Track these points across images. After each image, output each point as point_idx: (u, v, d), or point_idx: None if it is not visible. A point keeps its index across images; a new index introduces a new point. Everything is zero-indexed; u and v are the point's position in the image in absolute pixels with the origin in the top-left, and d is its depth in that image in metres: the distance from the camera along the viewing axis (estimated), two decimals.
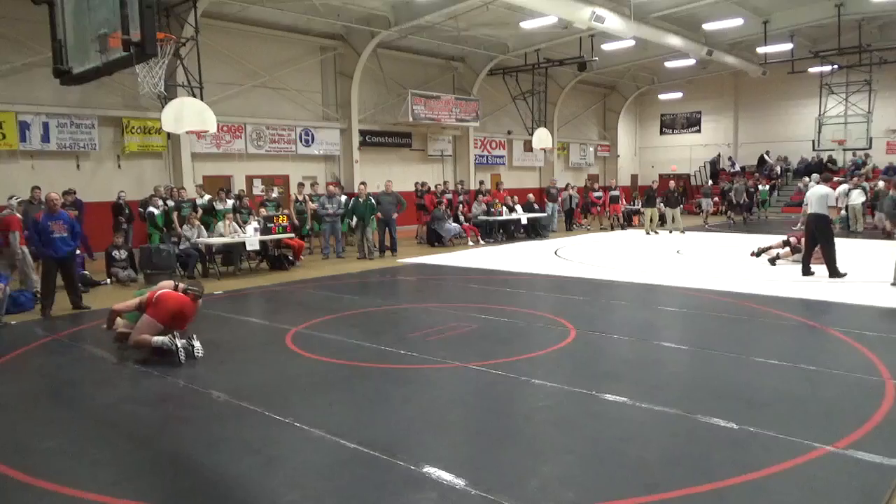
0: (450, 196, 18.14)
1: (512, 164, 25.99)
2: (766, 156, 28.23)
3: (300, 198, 14.63)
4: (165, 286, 6.41)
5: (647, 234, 18.46)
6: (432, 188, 18.07)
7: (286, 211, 14.02)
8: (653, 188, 18.72)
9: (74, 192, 12.19)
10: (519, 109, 22.51)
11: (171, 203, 12.93)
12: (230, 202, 13.36)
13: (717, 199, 24.19)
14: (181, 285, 6.46)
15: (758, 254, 12.21)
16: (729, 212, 22.02)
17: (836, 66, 21.53)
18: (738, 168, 27.72)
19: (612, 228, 20.88)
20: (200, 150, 16.25)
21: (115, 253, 11.46)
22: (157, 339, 6.03)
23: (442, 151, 23.03)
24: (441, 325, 7.33)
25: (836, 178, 22.20)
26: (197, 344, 6.27)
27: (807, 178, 20.07)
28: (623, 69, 26.84)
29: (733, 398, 4.74)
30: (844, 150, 23.43)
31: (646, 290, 9.74)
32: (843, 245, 13.93)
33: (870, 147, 21.94)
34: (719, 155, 29.43)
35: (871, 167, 23.37)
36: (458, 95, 22.30)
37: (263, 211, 13.17)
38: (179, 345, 6.02)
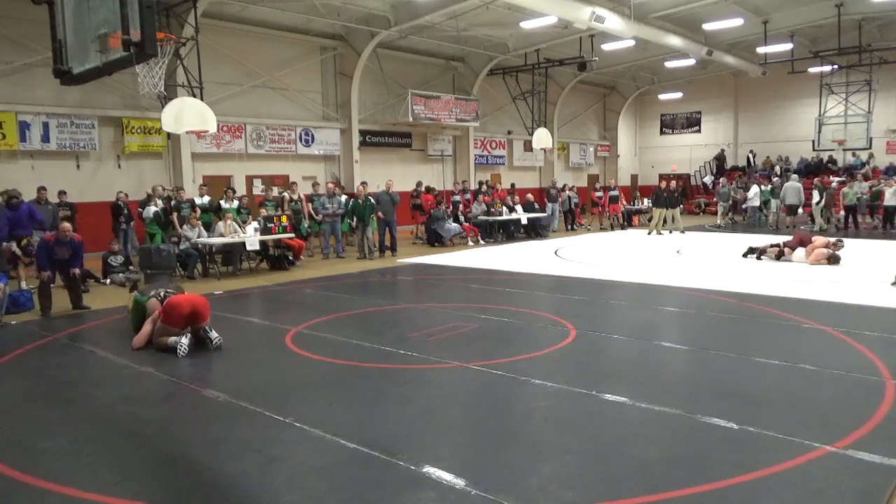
0: (457, 198, 18.16)
1: (512, 164, 25.99)
2: (750, 156, 28.25)
3: (294, 197, 14.58)
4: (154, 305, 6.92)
5: (650, 233, 18.42)
6: (425, 188, 17.99)
7: (288, 211, 14.00)
8: (661, 188, 18.70)
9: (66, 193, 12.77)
10: (519, 109, 22.50)
11: (168, 203, 12.92)
12: (236, 202, 13.36)
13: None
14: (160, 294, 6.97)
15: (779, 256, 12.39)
16: (730, 212, 21.99)
17: (836, 66, 21.53)
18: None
19: (612, 228, 20.88)
20: (200, 150, 16.25)
21: (112, 259, 11.50)
22: (172, 339, 6.35)
23: (442, 151, 23.03)
24: (441, 325, 7.32)
25: (836, 179, 22.35)
26: (213, 334, 6.52)
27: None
28: (623, 69, 26.83)
29: (733, 398, 4.74)
30: (844, 150, 23.44)
31: (646, 290, 9.74)
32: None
33: (870, 147, 21.95)
34: (723, 151, 29.25)
35: (871, 167, 23.37)
36: (458, 95, 22.30)
37: (264, 211, 13.17)
38: (184, 341, 6.29)
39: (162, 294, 6.92)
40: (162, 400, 5.13)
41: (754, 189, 20.87)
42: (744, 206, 21.21)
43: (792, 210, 18.71)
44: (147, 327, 6.69)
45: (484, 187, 19.00)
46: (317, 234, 14.94)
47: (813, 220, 18.72)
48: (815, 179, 21.27)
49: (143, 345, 6.58)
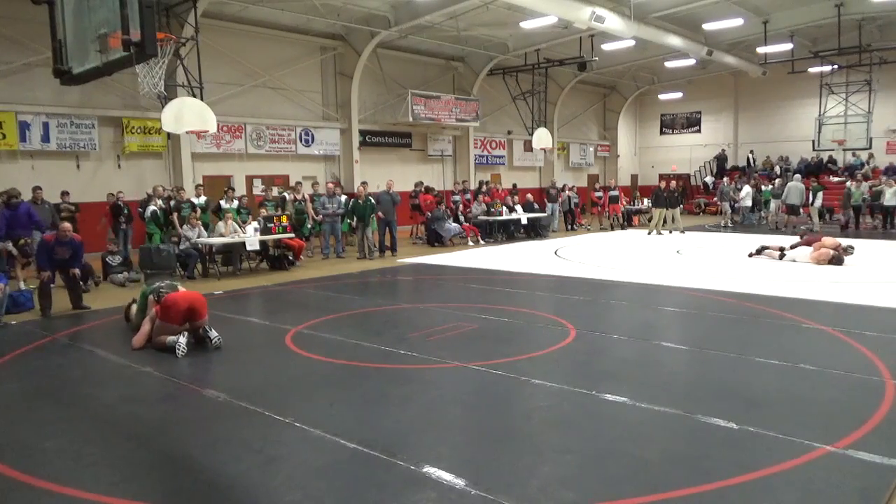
0: (457, 198, 18.13)
1: (512, 164, 25.99)
2: (750, 156, 28.24)
3: (299, 197, 14.58)
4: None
5: (650, 233, 18.42)
6: (424, 188, 17.97)
7: (290, 211, 13.99)
8: (661, 188, 18.70)
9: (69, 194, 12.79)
10: (519, 109, 22.49)
11: (168, 203, 12.91)
12: (236, 202, 13.36)
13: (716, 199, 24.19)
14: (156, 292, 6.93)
15: (758, 252, 12.56)
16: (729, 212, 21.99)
17: (836, 66, 21.52)
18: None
19: (612, 228, 20.88)
20: (200, 150, 16.25)
21: (110, 258, 11.52)
22: (171, 339, 6.33)
23: (442, 151, 23.03)
24: (441, 325, 7.33)
25: (835, 179, 22.36)
26: (213, 333, 6.52)
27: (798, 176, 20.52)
28: (623, 69, 26.83)
29: (733, 398, 4.74)
30: (844, 150, 23.44)
31: (646, 290, 9.74)
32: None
33: (870, 147, 21.94)
34: (723, 151, 29.18)
35: (871, 167, 23.36)
36: (458, 95, 22.29)
37: (263, 211, 13.16)
38: (182, 341, 6.28)
39: (159, 290, 6.87)
40: (162, 400, 5.13)
41: (746, 189, 20.86)
42: (735, 205, 21.22)
43: (794, 210, 18.71)
44: (146, 327, 6.68)
45: (484, 188, 19.00)
46: (317, 234, 14.94)
47: (812, 221, 18.73)
48: (811, 179, 21.36)
49: (142, 344, 6.58)
